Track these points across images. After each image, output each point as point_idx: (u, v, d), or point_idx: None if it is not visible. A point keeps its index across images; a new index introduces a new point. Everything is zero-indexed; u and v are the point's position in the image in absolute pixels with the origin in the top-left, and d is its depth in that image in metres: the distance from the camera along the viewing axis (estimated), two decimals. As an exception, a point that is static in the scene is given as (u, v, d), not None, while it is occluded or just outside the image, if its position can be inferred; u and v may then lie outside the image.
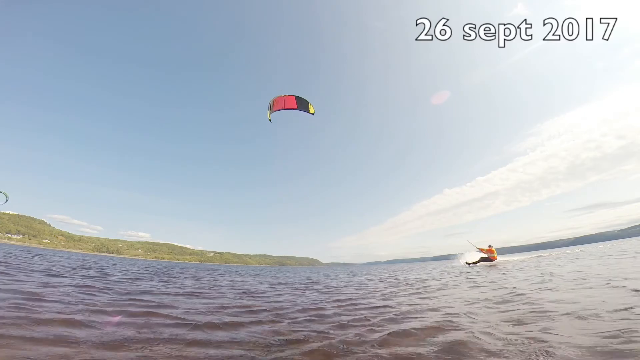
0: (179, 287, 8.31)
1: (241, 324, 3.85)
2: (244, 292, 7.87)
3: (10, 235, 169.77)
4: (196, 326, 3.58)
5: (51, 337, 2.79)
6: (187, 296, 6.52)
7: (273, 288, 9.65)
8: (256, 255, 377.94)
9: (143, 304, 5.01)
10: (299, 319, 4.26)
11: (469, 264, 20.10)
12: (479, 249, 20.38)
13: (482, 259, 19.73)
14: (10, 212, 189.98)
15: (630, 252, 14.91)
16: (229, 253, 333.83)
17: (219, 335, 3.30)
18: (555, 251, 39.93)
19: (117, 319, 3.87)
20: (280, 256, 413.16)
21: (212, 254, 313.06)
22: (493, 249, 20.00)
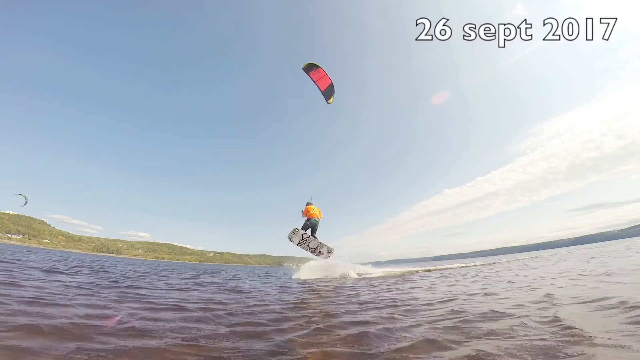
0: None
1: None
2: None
3: (10, 235, 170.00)
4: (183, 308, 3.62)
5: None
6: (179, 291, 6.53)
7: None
8: (256, 255, 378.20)
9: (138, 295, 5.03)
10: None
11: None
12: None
13: (306, 227, 12.76)
14: (10, 212, 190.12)
15: (597, 259, 13.01)
16: (229, 253, 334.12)
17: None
18: (521, 256, 37.47)
19: (117, 318, 3.87)
20: (280, 256, 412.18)
21: (212, 254, 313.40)
22: (311, 205, 12.87)
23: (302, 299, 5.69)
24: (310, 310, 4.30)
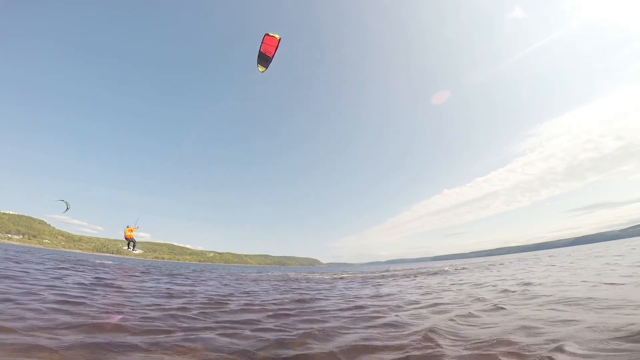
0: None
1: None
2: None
3: (10, 235, 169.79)
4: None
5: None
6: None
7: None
8: (256, 255, 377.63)
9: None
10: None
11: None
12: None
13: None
14: (10, 212, 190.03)
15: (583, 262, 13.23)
16: (229, 253, 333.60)
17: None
18: (503, 258, 37.44)
19: (118, 317, 3.88)
20: (280, 256, 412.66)
21: (212, 254, 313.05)
22: (132, 228, 16.88)
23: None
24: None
